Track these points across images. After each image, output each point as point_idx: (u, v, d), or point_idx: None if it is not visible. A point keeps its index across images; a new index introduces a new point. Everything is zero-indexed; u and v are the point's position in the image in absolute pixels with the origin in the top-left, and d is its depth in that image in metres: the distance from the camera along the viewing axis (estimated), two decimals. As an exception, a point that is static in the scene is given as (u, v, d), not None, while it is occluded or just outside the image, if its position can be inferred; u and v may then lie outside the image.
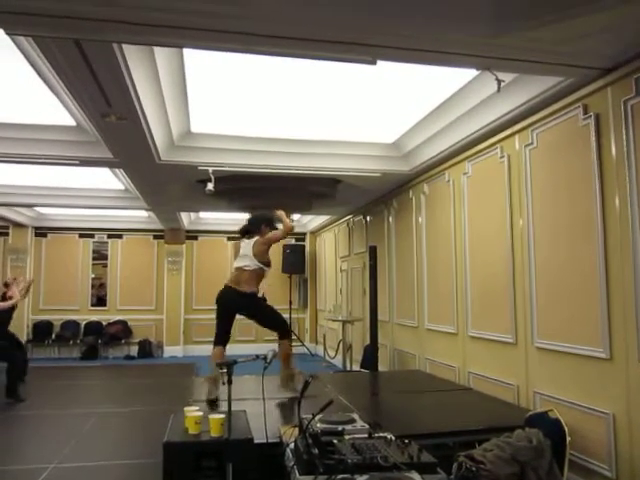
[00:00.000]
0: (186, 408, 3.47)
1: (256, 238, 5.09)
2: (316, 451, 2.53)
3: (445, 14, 2.89)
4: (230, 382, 2.98)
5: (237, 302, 4.98)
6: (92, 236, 12.51)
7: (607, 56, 3.41)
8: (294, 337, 5.55)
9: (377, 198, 8.21)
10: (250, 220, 5.29)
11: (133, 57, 3.57)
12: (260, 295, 5.07)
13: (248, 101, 5.07)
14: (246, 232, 5.20)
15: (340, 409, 3.85)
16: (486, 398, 4.82)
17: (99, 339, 11.91)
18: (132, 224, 12.32)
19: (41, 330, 11.68)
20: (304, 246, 13.28)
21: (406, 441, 2.74)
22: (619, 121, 3.51)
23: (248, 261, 4.97)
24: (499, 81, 3.59)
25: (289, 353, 5.13)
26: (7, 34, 3.04)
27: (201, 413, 3.28)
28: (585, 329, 3.78)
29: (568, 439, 3.32)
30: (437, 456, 2.66)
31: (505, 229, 4.80)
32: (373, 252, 7.42)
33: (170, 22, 2.85)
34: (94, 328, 12.07)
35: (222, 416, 3.14)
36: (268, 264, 5.09)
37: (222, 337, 5.01)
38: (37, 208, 11.02)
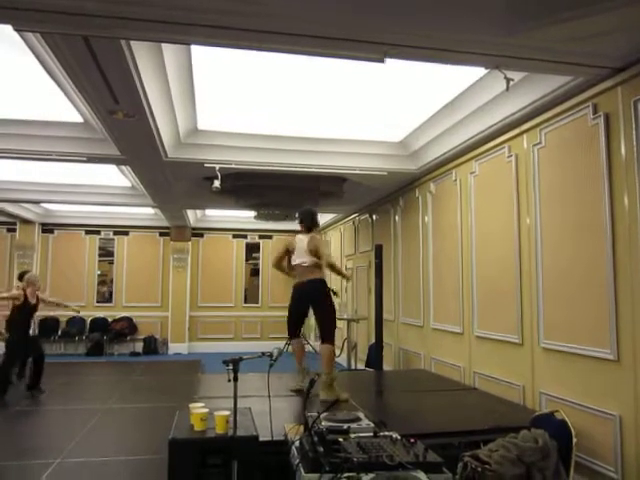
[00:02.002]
0: (191, 405, 3.47)
1: (310, 236, 5.07)
2: (322, 449, 2.53)
3: (456, 13, 2.88)
4: (236, 379, 2.98)
5: (308, 291, 5.00)
6: (98, 233, 12.57)
7: (617, 56, 3.38)
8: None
9: (383, 197, 8.19)
10: (308, 217, 5.20)
11: (141, 54, 3.58)
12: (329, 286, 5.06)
13: (255, 99, 5.07)
14: (310, 228, 5.14)
15: (345, 407, 3.85)
16: (492, 398, 4.81)
17: (104, 336, 11.96)
18: (138, 221, 12.37)
19: (47, 326, 11.71)
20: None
21: (412, 440, 2.73)
22: (629, 121, 3.49)
23: (305, 257, 4.99)
24: (508, 80, 3.57)
25: (331, 357, 4.87)
26: (15, 30, 3.05)
27: (207, 410, 3.28)
28: (592, 330, 3.76)
29: (574, 440, 3.30)
30: (442, 456, 2.65)
31: (512, 229, 4.78)
32: (379, 251, 7.40)
33: (181, 19, 2.85)
34: (100, 325, 12.13)
35: (227, 413, 3.13)
36: (320, 257, 5.06)
37: (290, 331, 5.14)
38: (44, 204, 11.09)
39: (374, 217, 8.92)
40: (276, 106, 5.26)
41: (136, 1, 2.73)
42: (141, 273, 12.54)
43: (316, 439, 2.60)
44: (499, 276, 5.00)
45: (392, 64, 3.55)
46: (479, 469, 2.98)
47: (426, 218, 6.73)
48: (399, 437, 2.80)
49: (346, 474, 2.33)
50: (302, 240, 5.07)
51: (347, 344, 8.80)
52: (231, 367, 2.99)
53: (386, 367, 7.45)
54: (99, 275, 12.62)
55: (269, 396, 3.69)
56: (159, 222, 12.19)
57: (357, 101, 5.10)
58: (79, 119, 5.41)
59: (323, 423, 2.93)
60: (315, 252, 4.98)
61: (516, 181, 4.76)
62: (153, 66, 3.93)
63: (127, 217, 12.14)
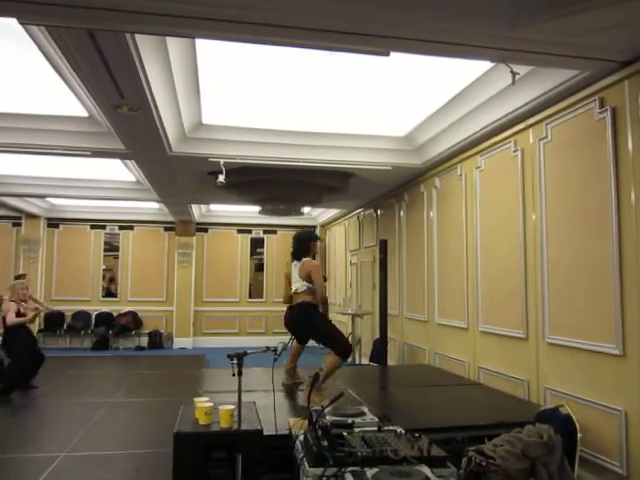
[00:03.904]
0: (196, 399, 3.48)
1: (303, 261, 4.94)
2: (326, 443, 2.52)
3: (463, 6, 2.86)
4: (240, 373, 2.98)
5: (295, 316, 4.89)
6: (103, 227, 12.60)
7: (624, 49, 3.35)
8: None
9: (388, 192, 8.17)
10: (298, 244, 5.09)
11: (146, 48, 3.57)
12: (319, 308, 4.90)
13: (260, 93, 5.06)
14: (299, 256, 5.00)
15: (349, 402, 3.85)
16: (496, 393, 4.80)
17: (110, 330, 12.00)
18: (143, 216, 12.39)
19: (53, 320, 11.78)
20: (314, 239, 13.27)
21: (416, 435, 2.73)
22: (636, 115, 3.46)
23: (299, 285, 4.88)
24: (514, 74, 3.55)
25: (334, 367, 4.65)
26: (20, 23, 3.05)
27: (211, 404, 3.29)
28: (598, 325, 3.75)
29: (579, 435, 3.29)
30: (446, 450, 2.64)
31: (517, 224, 4.76)
32: (384, 246, 7.39)
33: (187, 13, 2.83)
34: (105, 319, 12.18)
35: (232, 407, 3.14)
36: (313, 282, 4.86)
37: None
38: (49, 199, 11.10)
39: (379, 212, 8.90)
40: (280, 100, 5.24)
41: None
42: (146, 268, 12.58)
43: (320, 433, 2.59)
44: (504, 271, 4.99)
45: (397, 58, 3.54)
46: (483, 463, 2.96)
47: (431, 213, 6.71)
48: (403, 431, 2.80)
49: (350, 468, 2.33)
50: (296, 266, 4.98)
51: (351, 339, 8.81)
52: (236, 361, 3.00)
53: (390, 362, 7.45)
54: (104, 270, 12.67)
55: (273, 390, 3.71)
56: (164, 217, 12.20)
57: (362, 95, 5.08)
58: (84, 113, 5.40)
59: (327, 417, 2.92)
60: (307, 276, 4.84)
61: (522, 176, 4.74)
62: (158, 60, 3.92)
63: (132, 212, 12.16)
